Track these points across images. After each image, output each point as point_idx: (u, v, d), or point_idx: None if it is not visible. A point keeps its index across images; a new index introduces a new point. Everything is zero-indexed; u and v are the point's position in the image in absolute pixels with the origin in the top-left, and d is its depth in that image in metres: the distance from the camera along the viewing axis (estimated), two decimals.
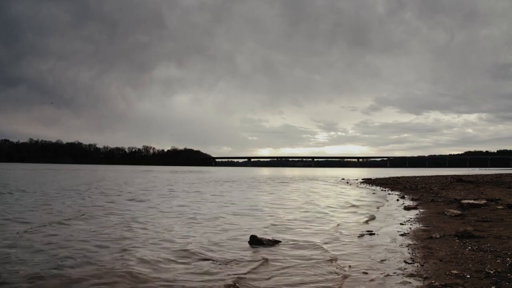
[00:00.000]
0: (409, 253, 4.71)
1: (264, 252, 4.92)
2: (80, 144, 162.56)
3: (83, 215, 7.99)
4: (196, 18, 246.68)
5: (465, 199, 9.69)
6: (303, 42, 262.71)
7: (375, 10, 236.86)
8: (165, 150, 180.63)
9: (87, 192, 14.06)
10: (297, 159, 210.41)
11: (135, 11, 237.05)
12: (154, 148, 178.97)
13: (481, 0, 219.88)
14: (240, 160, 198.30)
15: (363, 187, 20.31)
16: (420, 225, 6.78)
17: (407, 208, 9.54)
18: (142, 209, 9.37)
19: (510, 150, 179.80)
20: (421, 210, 9.05)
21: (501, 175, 31.85)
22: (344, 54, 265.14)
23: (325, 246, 5.29)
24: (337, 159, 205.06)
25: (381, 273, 3.91)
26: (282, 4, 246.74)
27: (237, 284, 3.65)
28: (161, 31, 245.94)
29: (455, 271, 3.71)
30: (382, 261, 4.39)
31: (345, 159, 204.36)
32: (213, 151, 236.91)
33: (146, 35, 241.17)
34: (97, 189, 15.83)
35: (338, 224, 7.25)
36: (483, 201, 8.76)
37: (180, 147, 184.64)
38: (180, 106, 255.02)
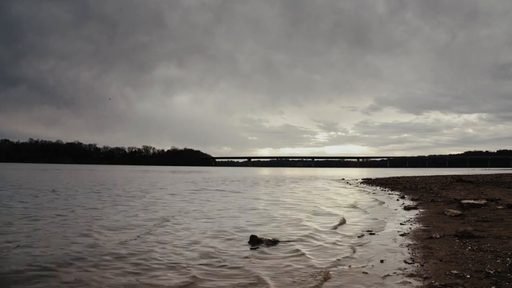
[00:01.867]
0: (409, 253, 4.71)
1: (263, 253, 4.92)
2: (80, 144, 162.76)
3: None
4: (196, 18, 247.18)
5: (465, 199, 9.69)
6: (303, 42, 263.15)
7: (375, 10, 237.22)
8: (165, 150, 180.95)
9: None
10: (297, 159, 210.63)
11: (135, 11, 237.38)
12: (154, 148, 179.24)
13: (482, 0, 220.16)
14: (240, 160, 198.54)
15: (363, 187, 20.31)
16: (420, 225, 6.78)
17: (407, 208, 9.54)
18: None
19: (510, 150, 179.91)
20: (421, 210, 9.05)
21: (501, 175, 31.84)
22: (344, 54, 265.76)
23: (324, 247, 5.29)
24: (337, 159, 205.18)
25: (381, 273, 3.91)
26: (282, 4, 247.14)
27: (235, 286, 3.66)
28: (162, 31, 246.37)
29: (455, 271, 3.71)
30: (382, 261, 4.39)
31: (345, 159, 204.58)
32: (213, 151, 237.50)
33: (146, 35, 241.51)
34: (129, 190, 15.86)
35: (337, 224, 7.25)
36: (483, 201, 8.76)
37: (180, 147, 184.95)
38: (180, 106, 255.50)
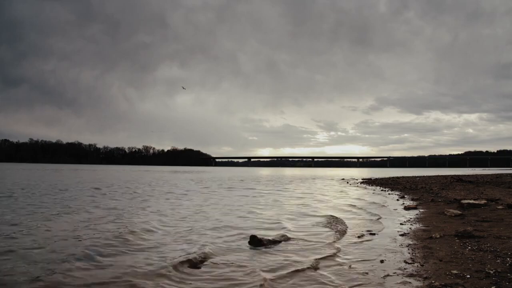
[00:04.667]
0: (409, 253, 4.71)
1: (264, 253, 4.92)
2: (80, 144, 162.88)
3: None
4: (199, 18, 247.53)
5: (465, 199, 9.69)
6: (306, 42, 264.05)
7: (377, 10, 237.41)
8: (165, 150, 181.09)
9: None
10: (297, 159, 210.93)
11: (137, 11, 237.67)
12: (154, 148, 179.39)
13: None
14: (240, 160, 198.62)
15: (363, 187, 20.31)
16: (420, 225, 6.78)
17: (407, 208, 9.54)
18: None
19: (510, 150, 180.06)
20: (421, 210, 9.05)
21: (501, 175, 31.83)
22: (346, 54, 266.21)
23: (324, 247, 5.29)
24: (337, 159, 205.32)
25: (381, 273, 3.91)
26: (284, 4, 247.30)
27: None
28: (164, 31, 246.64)
29: (455, 271, 3.71)
30: (382, 261, 4.39)
31: (345, 159, 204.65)
32: (213, 151, 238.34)
33: (148, 35, 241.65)
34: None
35: (337, 224, 7.24)
36: (483, 201, 8.76)
37: (181, 147, 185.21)
38: (181, 106, 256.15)
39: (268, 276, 3.93)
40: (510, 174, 34.97)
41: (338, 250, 5.07)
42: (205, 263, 4.41)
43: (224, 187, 19.32)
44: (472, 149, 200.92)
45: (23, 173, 35.08)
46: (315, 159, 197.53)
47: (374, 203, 11.43)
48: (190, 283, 3.71)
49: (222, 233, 6.22)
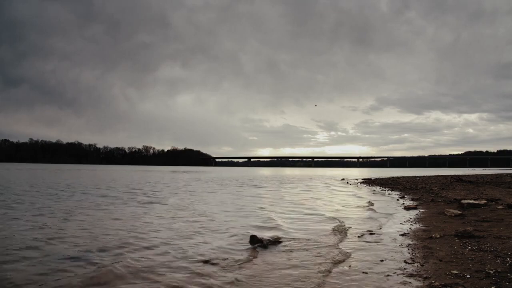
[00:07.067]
0: (409, 253, 4.71)
1: (264, 253, 4.92)
2: (80, 144, 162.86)
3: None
4: (199, 18, 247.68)
5: (465, 199, 9.68)
6: (306, 42, 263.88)
7: (379, 10, 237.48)
8: (165, 150, 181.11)
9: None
10: (297, 159, 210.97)
11: (138, 11, 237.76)
12: (154, 148, 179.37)
13: None
14: (240, 160, 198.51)
15: (363, 187, 20.30)
16: (420, 225, 6.78)
17: (407, 208, 9.54)
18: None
19: (510, 150, 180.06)
20: (421, 210, 9.04)
21: (501, 175, 31.84)
22: (346, 54, 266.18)
23: (324, 247, 5.29)
24: (337, 159, 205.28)
25: (381, 273, 3.91)
26: (285, 4, 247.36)
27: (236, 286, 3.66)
28: (165, 31, 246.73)
29: (455, 271, 3.71)
30: (382, 261, 4.39)
31: (345, 159, 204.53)
32: (213, 151, 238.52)
33: (149, 35, 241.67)
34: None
35: (338, 224, 7.24)
36: (483, 201, 8.76)
37: (181, 147, 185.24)
38: (182, 107, 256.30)
39: (266, 274, 3.93)
40: (510, 174, 34.99)
41: (338, 249, 5.07)
42: (204, 262, 4.41)
43: (225, 187, 19.33)
44: (472, 149, 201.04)
45: (43, 173, 35.11)
46: (315, 159, 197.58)
47: (373, 203, 11.43)
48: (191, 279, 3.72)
49: (223, 233, 6.23)
